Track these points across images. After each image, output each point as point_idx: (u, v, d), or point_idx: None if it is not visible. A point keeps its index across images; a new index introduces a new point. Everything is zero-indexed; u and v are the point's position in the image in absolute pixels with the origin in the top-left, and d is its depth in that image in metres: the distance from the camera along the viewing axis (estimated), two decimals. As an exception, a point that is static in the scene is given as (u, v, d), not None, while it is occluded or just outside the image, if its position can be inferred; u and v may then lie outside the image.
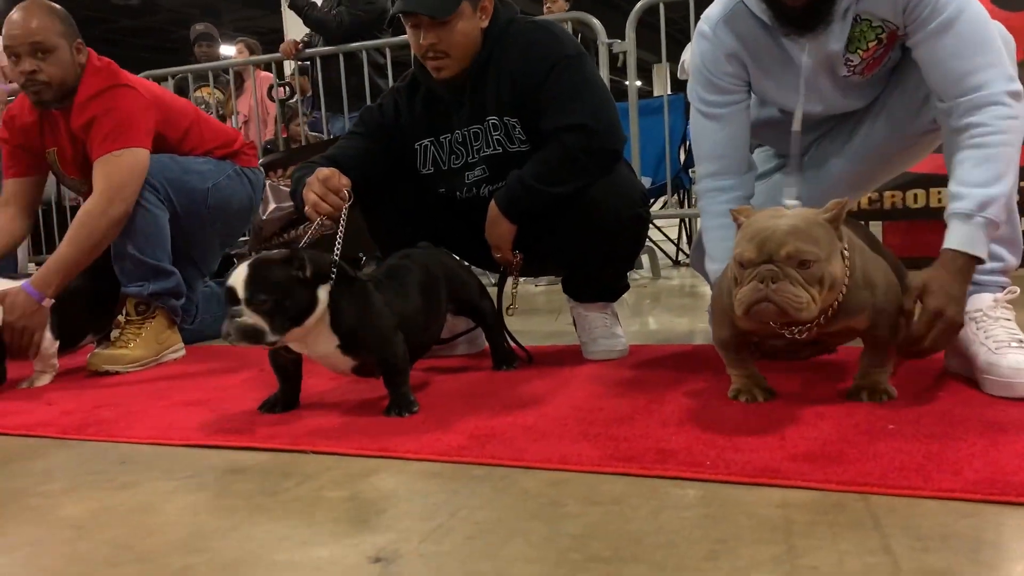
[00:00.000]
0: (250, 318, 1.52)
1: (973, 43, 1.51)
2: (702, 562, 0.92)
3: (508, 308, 2.09)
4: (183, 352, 2.58)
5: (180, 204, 2.58)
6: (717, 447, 1.29)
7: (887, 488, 1.08)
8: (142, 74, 4.89)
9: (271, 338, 1.54)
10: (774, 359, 1.80)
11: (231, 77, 5.42)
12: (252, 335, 1.53)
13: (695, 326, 2.61)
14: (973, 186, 1.47)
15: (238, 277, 1.54)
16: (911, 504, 1.03)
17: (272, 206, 4.37)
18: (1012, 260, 1.62)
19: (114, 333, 2.54)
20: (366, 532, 1.07)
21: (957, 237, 1.47)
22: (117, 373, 2.33)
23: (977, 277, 1.60)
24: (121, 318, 2.58)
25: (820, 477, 1.13)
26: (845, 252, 1.39)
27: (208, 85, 5.50)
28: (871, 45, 1.64)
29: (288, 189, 4.75)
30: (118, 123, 2.38)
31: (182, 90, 5.37)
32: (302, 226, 4.47)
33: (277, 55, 4.99)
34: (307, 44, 4.97)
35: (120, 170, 2.36)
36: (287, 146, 4.99)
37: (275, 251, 1.62)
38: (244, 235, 3.75)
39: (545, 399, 1.68)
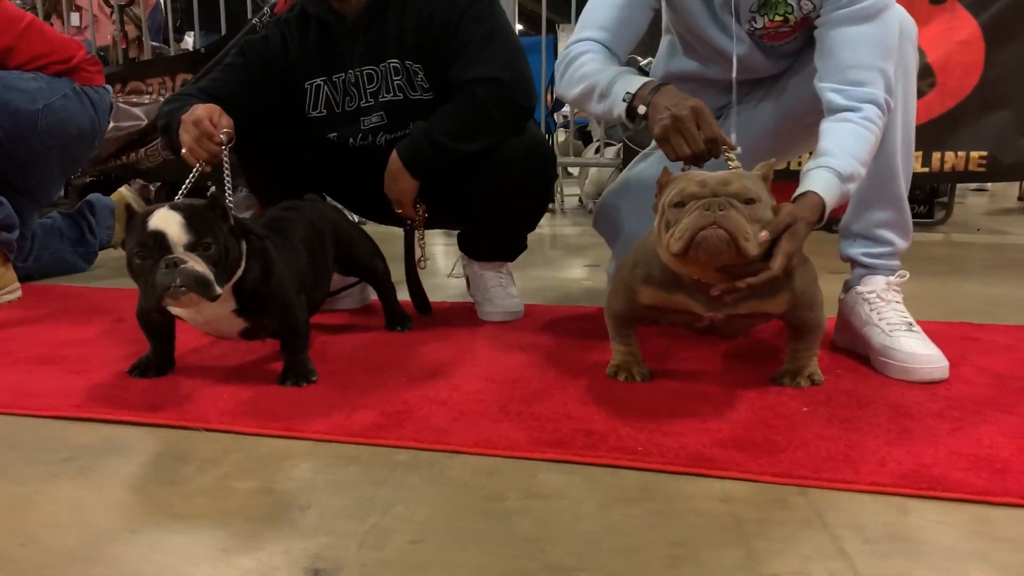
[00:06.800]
0: (198, 265, 1.33)
1: (875, 44, 1.53)
2: (665, 570, 0.89)
3: (419, 261, 1.99)
4: (19, 293, 2.29)
5: (4, 126, 2.31)
6: (645, 430, 1.27)
7: (821, 481, 1.09)
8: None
9: (216, 291, 1.36)
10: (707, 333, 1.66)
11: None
12: (204, 284, 1.34)
13: (579, 284, 2.60)
14: (851, 155, 1.45)
15: (169, 220, 1.33)
16: (849, 500, 1.05)
17: (110, 125, 3.94)
18: (902, 244, 1.68)
19: (-67, 270, 2.21)
20: (294, 536, 0.97)
21: (825, 186, 1.42)
22: (-59, 319, 2.04)
23: (871, 261, 1.67)
24: (-58, 253, 2.25)
25: (755, 468, 1.13)
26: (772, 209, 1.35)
27: None
28: (777, 19, 1.65)
29: (126, 106, 4.27)
30: None
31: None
32: (144, 148, 4.09)
33: None
34: None
35: None
36: (126, 58, 4.51)
37: (191, 198, 1.44)
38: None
39: (452, 368, 1.60)
